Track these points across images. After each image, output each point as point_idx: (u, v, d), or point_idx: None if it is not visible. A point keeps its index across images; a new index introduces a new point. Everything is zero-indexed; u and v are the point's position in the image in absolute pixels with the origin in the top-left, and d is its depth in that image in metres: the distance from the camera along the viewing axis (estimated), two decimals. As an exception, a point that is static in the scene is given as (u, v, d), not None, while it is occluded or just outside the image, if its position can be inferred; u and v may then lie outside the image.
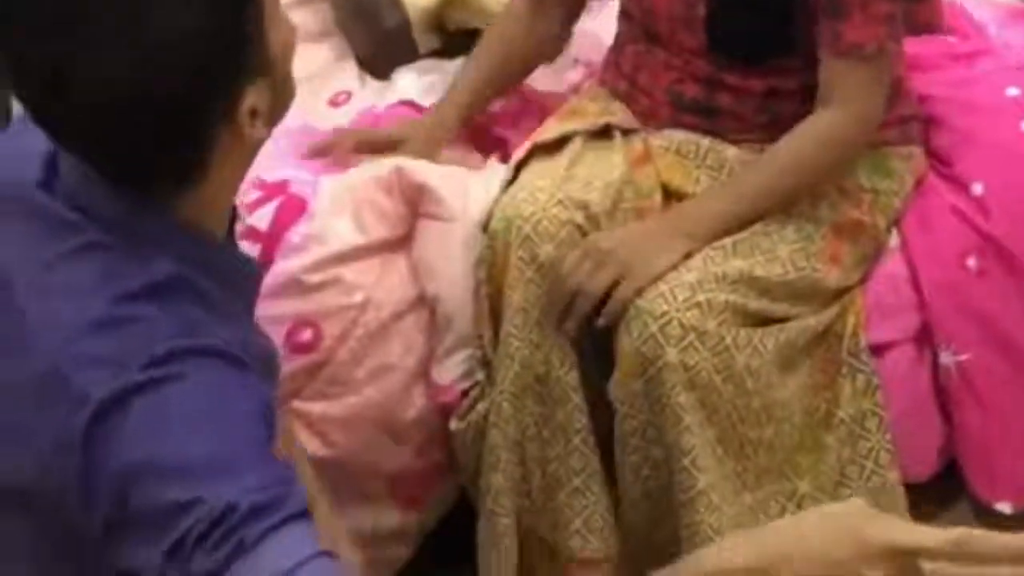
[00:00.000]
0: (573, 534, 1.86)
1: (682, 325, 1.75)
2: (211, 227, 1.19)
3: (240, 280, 1.24)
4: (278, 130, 1.24)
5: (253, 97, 1.13)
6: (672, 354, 1.74)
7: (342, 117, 2.15)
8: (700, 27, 1.88)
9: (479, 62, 2.05)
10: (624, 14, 1.99)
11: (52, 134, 1.13)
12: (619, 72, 2.01)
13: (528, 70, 2.09)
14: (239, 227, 1.81)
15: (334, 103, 2.20)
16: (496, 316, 1.87)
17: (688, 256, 1.80)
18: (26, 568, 1.18)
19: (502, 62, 2.05)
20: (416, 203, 1.94)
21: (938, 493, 2.06)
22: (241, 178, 1.21)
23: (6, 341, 1.14)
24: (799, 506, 1.87)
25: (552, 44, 2.08)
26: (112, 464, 1.07)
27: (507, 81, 2.08)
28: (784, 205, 1.87)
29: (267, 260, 1.88)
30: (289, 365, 1.88)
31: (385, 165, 1.94)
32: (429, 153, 1.99)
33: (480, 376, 1.90)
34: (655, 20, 1.92)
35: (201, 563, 1.03)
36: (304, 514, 1.06)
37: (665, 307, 1.75)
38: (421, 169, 1.94)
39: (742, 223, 1.84)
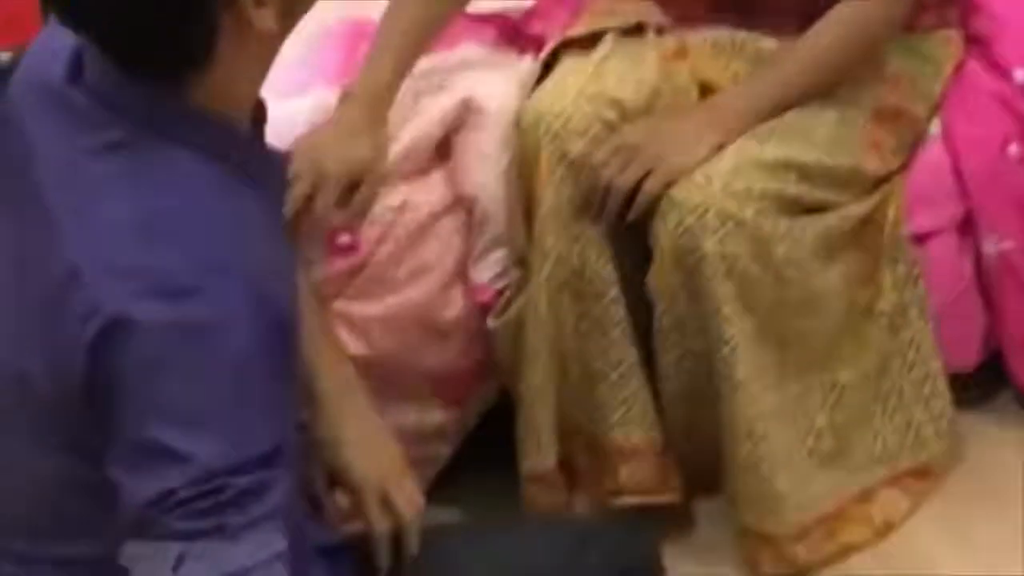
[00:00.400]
0: (614, 425, 1.87)
1: (719, 214, 1.73)
2: (230, 117, 1.18)
3: (266, 173, 1.24)
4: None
5: None
6: (710, 244, 1.73)
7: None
8: None
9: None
10: None
11: (61, 14, 1.14)
12: None
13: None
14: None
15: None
16: (530, 214, 1.86)
17: (721, 148, 1.78)
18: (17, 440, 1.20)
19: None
20: (457, 123, 1.94)
21: (981, 383, 2.06)
22: (259, 72, 1.20)
23: (34, 246, 1.15)
24: (841, 396, 1.87)
25: None
26: (116, 380, 1.08)
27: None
28: (815, 95, 1.84)
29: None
30: (329, 267, 1.89)
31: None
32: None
33: (516, 275, 1.89)
34: None
35: (181, 523, 1.06)
36: (280, 509, 1.09)
37: (701, 197, 1.74)
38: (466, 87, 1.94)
39: (773, 113, 1.82)
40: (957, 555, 1.87)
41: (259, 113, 1.25)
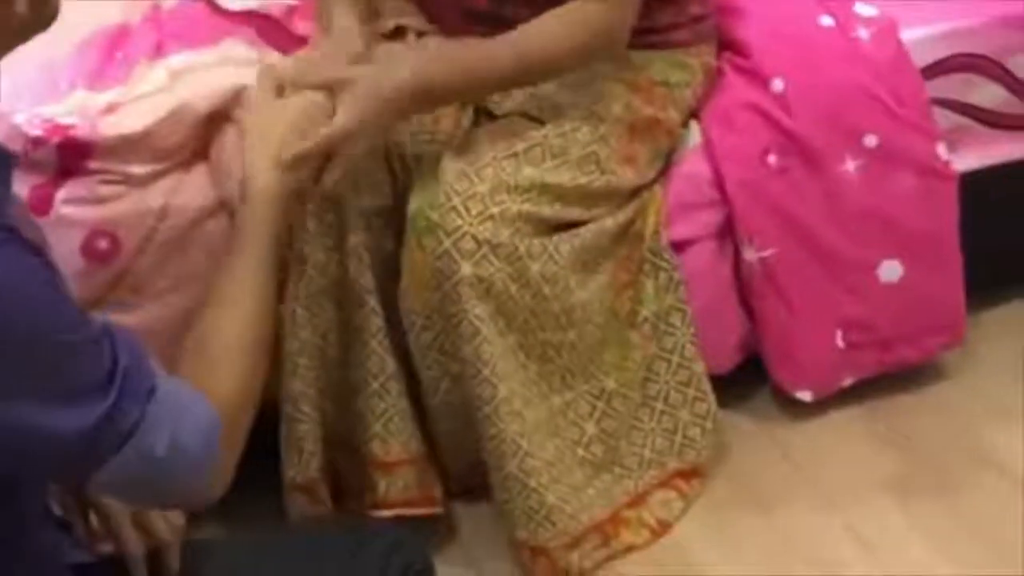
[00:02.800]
0: (373, 437, 1.87)
1: (475, 239, 1.74)
2: None
3: None
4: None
5: None
6: (467, 268, 1.74)
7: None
8: None
9: None
10: None
11: None
12: None
13: None
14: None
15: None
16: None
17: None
18: None
19: None
20: (223, 111, 1.89)
21: (741, 384, 2.12)
22: None
23: None
24: (609, 404, 1.90)
25: None
26: None
27: None
28: (519, 84, 1.80)
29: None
30: (87, 276, 1.84)
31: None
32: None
33: (278, 283, 1.87)
34: None
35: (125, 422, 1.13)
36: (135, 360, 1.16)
37: (459, 222, 1.74)
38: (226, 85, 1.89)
39: (470, 92, 1.79)
40: (722, 554, 1.91)
41: None
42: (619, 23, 1.78)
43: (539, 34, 1.74)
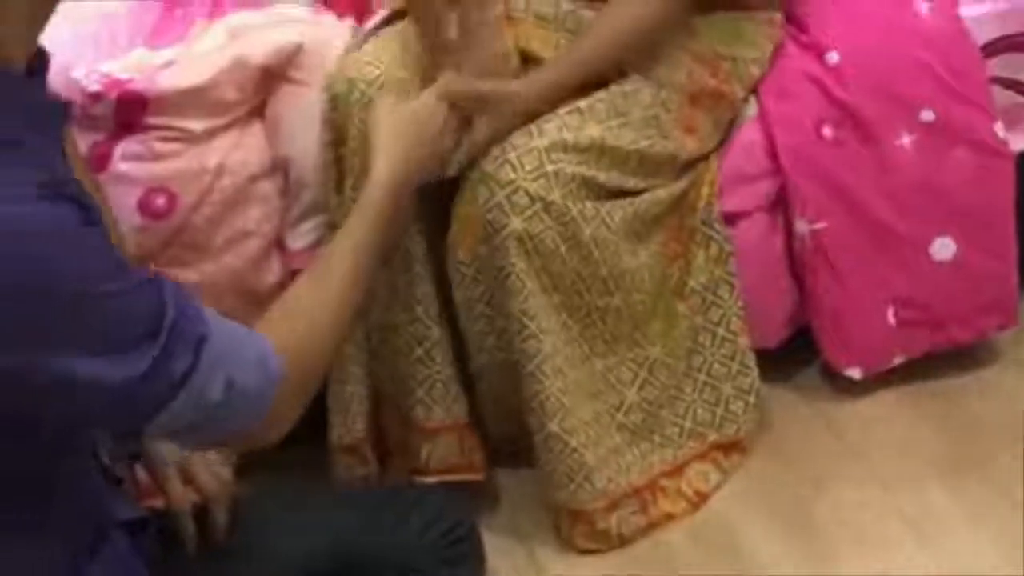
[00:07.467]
0: (417, 403, 1.87)
1: (528, 194, 1.74)
2: (5, 56, 1.13)
3: (45, 117, 1.19)
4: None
5: None
6: (517, 222, 1.74)
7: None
8: None
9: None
10: None
11: None
12: None
13: None
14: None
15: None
16: (342, 181, 1.84)
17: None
18: None
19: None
20: (280, 68, 1.90)
21: (789, 359, 2.11)
22: (32, 16, 1.14)
23: None
24: (651, 372, 1.90)
25: None
26: None
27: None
28: (617, 64, 1.84)
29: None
30: (143, 232, 1.86)
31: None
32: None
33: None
34: None
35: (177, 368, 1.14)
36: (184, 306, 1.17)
37: (512, 175, 1.74)
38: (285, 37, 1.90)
39: (575, 89, 1.82)
40: (765, 529, 1.90)
41: (36, 62, 1.20)
42: None
43: (627, 9, 1.80)
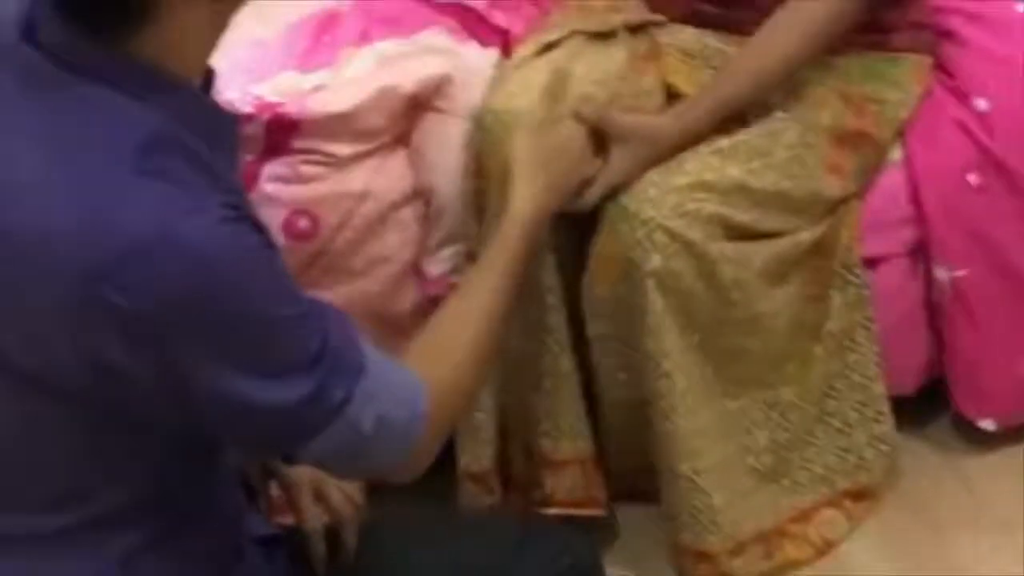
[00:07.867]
0: (543, 435, 1.88)
1: (669, 232, 1.73)
2: (182, 74, 1.16)
3: (222, 132, 1.22)
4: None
5: None
6: (657, 260, 1.73)
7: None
8: None
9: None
10: None
11: None
12: None
13: None
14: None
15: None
16: (482, 211, 1.85)
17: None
18: (56, 454, 1.17)
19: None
20: (426, 98, 1.93)
21: (922, 407, 2.08)
22: (210, 35, 1.17)
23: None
24: (783, 415, 1.88)
25: None
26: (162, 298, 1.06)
27: None
28: (762, 98, 1.83)
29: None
30: (286, 253, 1.87)
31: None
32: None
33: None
34: None
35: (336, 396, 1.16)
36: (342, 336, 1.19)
37: (653, 212, 1.74)
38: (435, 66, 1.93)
39: (717, 125, 1.81)
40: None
41: (209, 80, 1.23)
42: (849, 15, 1.79)
43: (773, 46, 1.79)
